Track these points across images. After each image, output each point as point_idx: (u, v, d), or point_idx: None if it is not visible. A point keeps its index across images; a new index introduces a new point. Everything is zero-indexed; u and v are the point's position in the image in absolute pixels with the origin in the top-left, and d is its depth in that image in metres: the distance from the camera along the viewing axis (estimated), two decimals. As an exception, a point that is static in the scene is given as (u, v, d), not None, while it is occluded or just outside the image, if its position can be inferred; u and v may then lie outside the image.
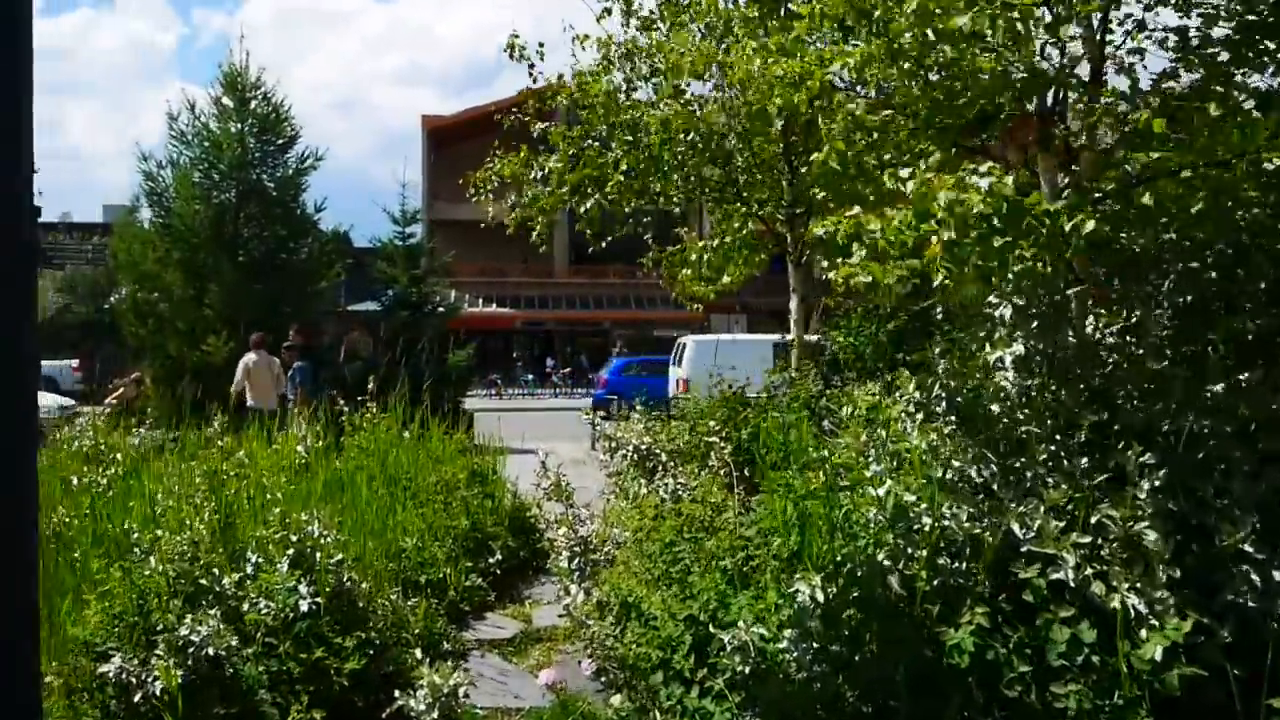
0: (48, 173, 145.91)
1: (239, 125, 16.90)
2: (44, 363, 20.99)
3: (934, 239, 2.86)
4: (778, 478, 4.13)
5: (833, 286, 7.47)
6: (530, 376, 36.66)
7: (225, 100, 17.00)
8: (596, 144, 7.85)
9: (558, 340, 42.31)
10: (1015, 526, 2.72)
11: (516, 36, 8.20)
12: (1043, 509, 2.72)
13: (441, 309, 17.02)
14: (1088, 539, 2.61)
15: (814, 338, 8.33)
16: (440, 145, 43.75)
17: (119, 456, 6.06)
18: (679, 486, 4.87)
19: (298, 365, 12.77)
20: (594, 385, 36.35)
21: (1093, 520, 2.66)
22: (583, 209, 7.60)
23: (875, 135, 4.38)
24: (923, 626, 2.66)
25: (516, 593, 5.73)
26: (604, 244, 7.97)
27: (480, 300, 40.98)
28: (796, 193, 6.96)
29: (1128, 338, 3.21)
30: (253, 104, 17.06)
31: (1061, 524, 2.65)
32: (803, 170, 6.87)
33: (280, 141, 17.16)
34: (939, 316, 5.01)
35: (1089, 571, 2.58)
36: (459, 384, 16.90)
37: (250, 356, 12.65)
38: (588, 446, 15.96)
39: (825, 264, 3.41)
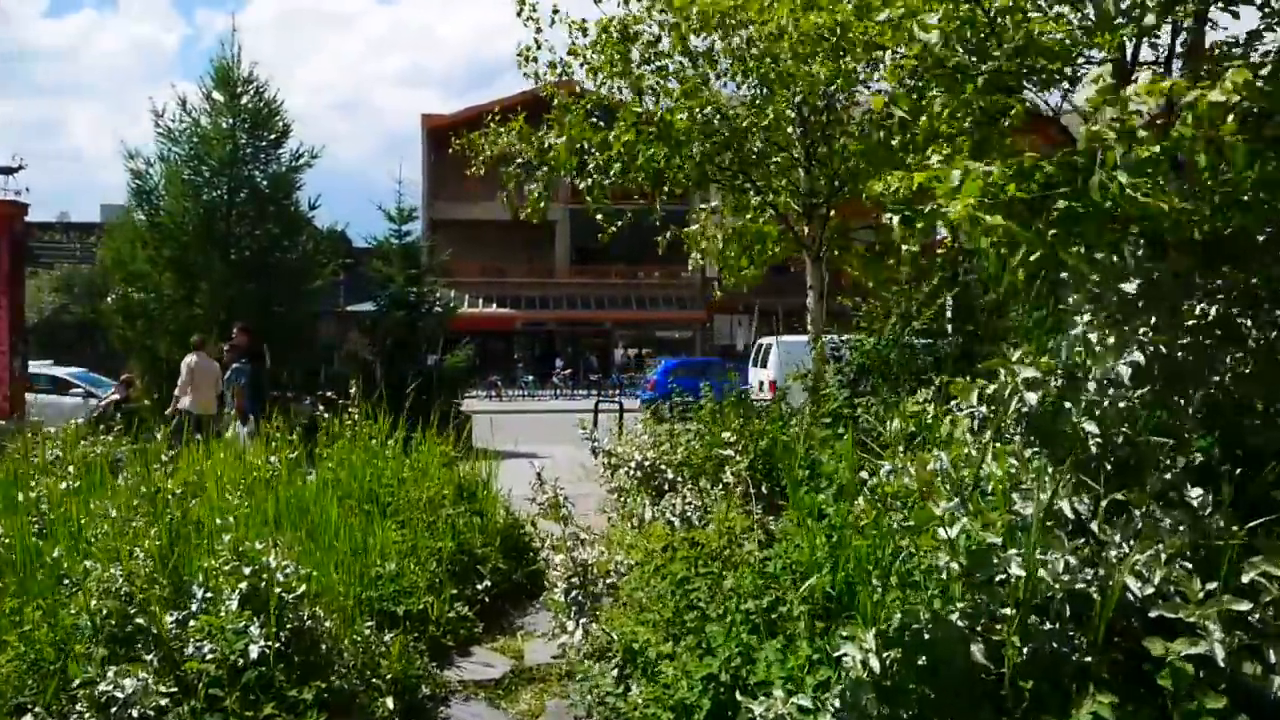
0: (49, 173, 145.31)
1: (230, 120, 16.29)
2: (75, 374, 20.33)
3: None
4: (807, 502, 3.52)
5: (867, 280, 6.87)
6: (530, 378, 36.03)
7: (216, 95, 16.41)
8: (598, 121, 7.22)
9: (559, 341, 41.69)
10: (1131, 581, 2.10)
11: (530, 48, 7.53)
12: (1162, 556, 2.10)
13: (439, 309, 16.39)
14: (1244, 605, 1.98)
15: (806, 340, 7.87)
16: (440, 144, 43.07)
17: (72, 469, 5.43)
18: (688, 507, 4.26)
19: (234, 367, 12.03)
20: (597, 387, 35.71)
21: (1245, 578, 2.04)
22: (583, 185, 6.94)
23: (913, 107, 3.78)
24: (1017, 712, 2.04)
25: (508, 622, 5.10)
26: (613, 227, 7.27)
27: (480, 300, 40.36)
28: (814, 182, 6.34)
29: (1254, 335, 2.58)
30: (244, 99, 16.45)
31: (1197, 581, 2.02)
32: (823, 152, 6.26)
33: (272, 137, 16.55)
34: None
35: (1237, 645, 1.97)
36: (456, 385, 16.29)
37: (191, 358, 11.92)
38: (588, 452, 15.36)
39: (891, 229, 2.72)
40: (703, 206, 7.92)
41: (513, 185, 7.29)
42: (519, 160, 7.23)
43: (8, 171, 17.07)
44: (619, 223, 7.36)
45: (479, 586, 4.90)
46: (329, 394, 10.32)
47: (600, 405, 16.93)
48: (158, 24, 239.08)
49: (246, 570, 3.66)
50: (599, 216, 7.27)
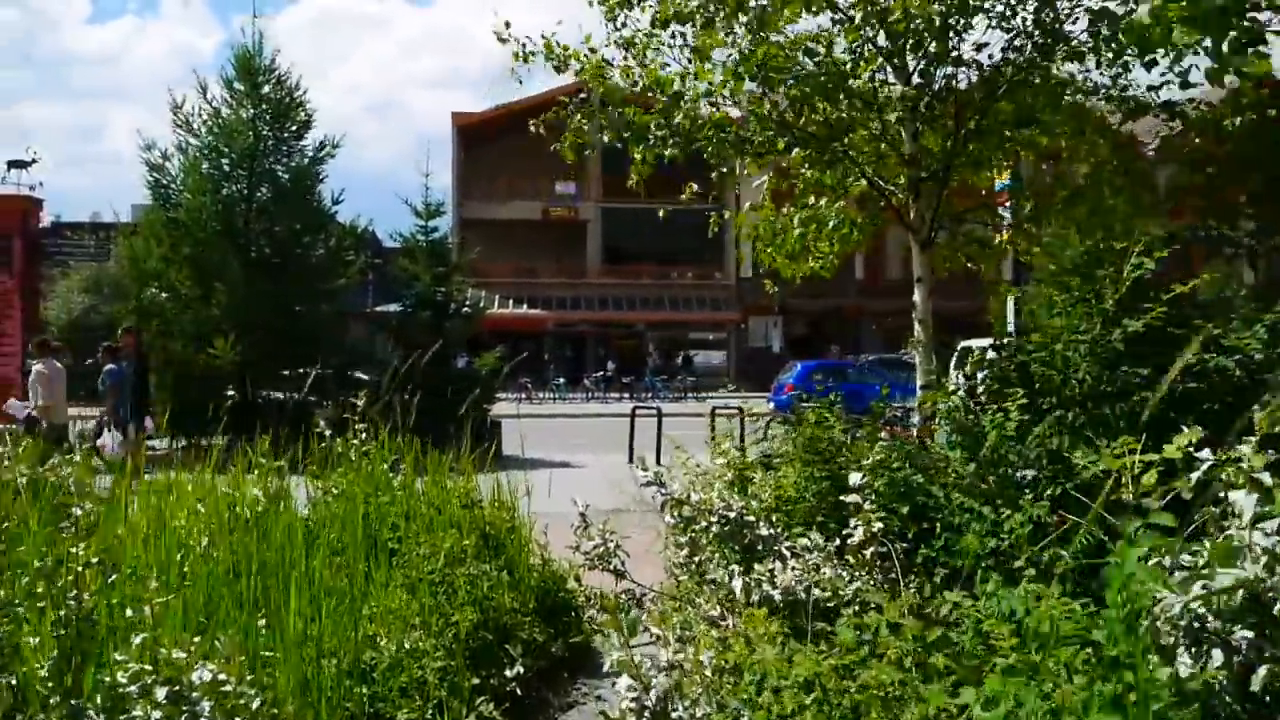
0: (89, 175, 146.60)
1: (250, 111, 15.24)
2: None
3: None
4: (1002, 600, 2.22)
5: (985, 272, 5.55)
6: (561, 380, 34.81)
7: (237, 84, 15.35)
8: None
9: (590, 342, 40.49)
10: None
11: (525, 47, 6.24)
12: None
13: (468, 309, 15.19)
14: None
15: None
16: (471, 144, 42.11)
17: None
18: (799, 579, 2.97)
19: (107, 368, 10.64)
20: (631, 390, 34.40)
21: None
22: (638, 154, 5.68)
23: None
24: None
25: (546, 717, 3.85)
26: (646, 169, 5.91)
27: (511, 301, 39.26)
28: (919, 149, 5.00)
29: None
30: (265, 88, 15.39)
31: None
32: (940, 110, 4.92)
33: (294, 128, 15.47)
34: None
35: None
36: (485, 391, 15.10)
37: (37, 366, 10.30)
38: (625, 460, 14.11)
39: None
40: (759, 182, 6.52)
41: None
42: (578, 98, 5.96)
43: (21, 165, 16.22)
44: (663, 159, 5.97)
45: (508, 674, 3.64)
46: (350, 399, 9.19)
47: (637, 410, 15.61)
48: (196, 29, 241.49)
49: (160, 693, 2.42)
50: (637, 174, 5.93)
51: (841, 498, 3.25)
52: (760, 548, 3.39)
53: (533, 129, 5.42)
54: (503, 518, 5.04)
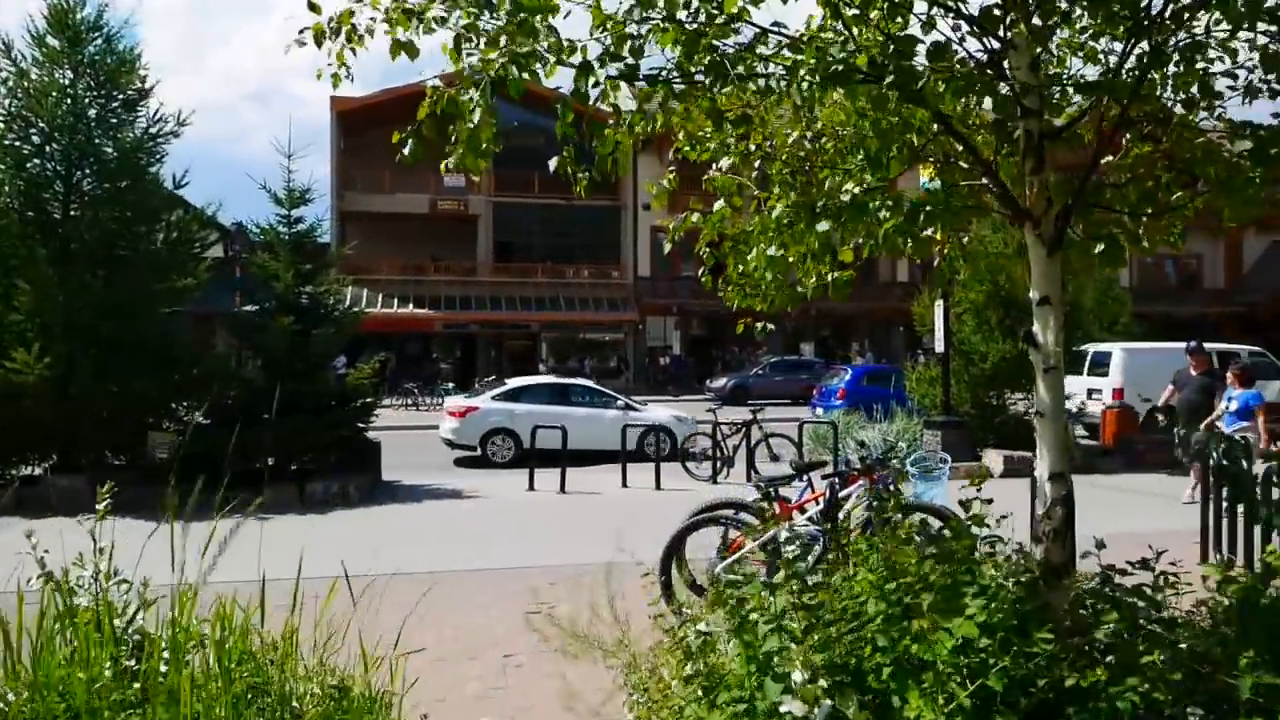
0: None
1: (69, 74, 12.43)
2: None
3: None
4: None
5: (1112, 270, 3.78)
6: (450, 385, 32.22)
7: (51, 40, 12.50)
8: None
9: (481, 343, 38.01)
10: None
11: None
12: None
13: (340, 312, 12.82)
14: None
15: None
16: (352, 131, 38.90)
17: None
18: None
19: None
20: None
21: None
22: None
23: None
24: None
25: None
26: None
27: (396, 300, 36.37)
28: (1046, 86, 2.99)
29: None
30: (89, 48, 12.60)
31: None
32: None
33: (124, 97, 12.72)
34: None
35: None
36: (362, 409, 12.78)
37: None
38: (524, 486, 11.90)
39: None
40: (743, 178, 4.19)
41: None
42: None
43: None
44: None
45: None
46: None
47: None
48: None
49: None
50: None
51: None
52: None
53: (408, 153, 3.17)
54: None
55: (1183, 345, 12.57)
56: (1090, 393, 17.18)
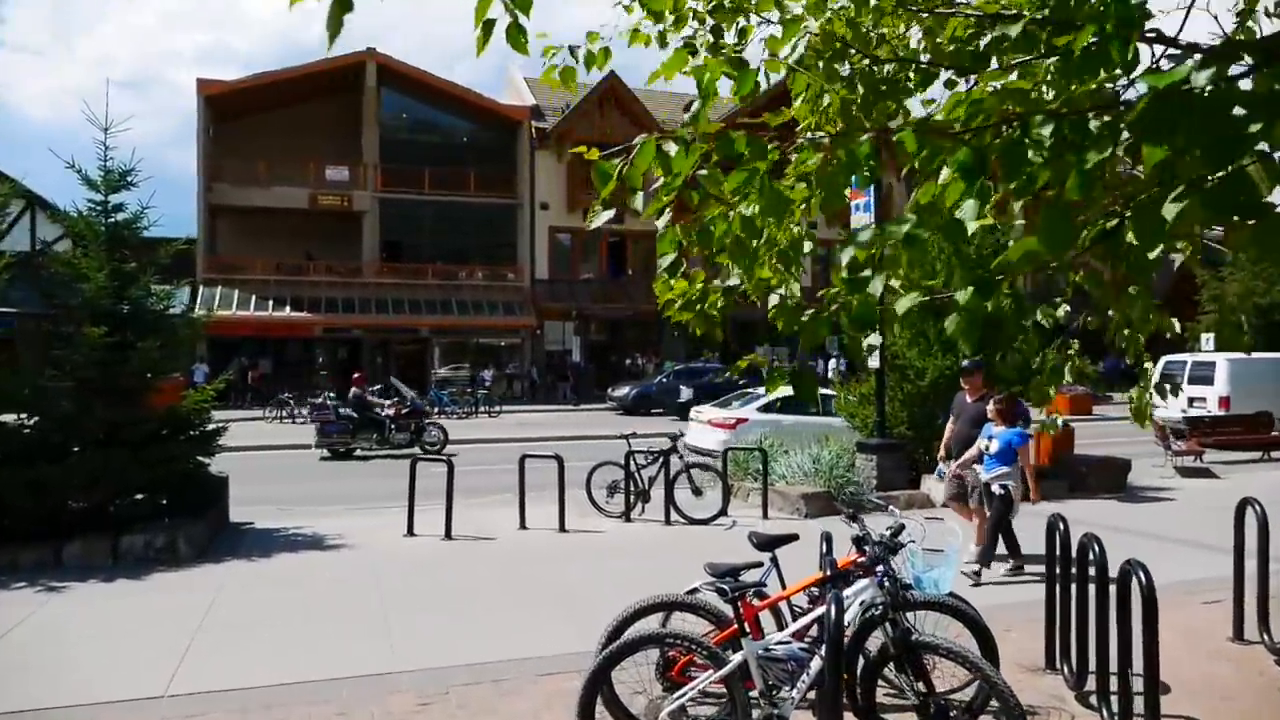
0: None
1: None
2: None
3: None
4: None
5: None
6: (332, 393, 29.31)
7: None
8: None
9: (366, 348, 35.10)
10: None
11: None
12: None
13: (170, 316, 10.35)
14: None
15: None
16: (223, 117, 35.37)
17: None
18: None
19: None
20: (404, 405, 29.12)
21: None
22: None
23: None
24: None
25: None
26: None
27: (271, 302, 33.12)
28: None
29: None
30: None
31: None
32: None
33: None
34: None
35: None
36: (201, 439, 10.35)
37: None
38: (402, 526, 9.68)
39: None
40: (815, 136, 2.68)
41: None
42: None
43: None
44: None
45: None
46: None
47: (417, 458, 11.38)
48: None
49: None
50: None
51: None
52: None
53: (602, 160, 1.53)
54: None
55: None
56: (1192, 401, 17.56)
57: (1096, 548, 4.70)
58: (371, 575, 8.21)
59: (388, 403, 19.09)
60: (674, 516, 10.51)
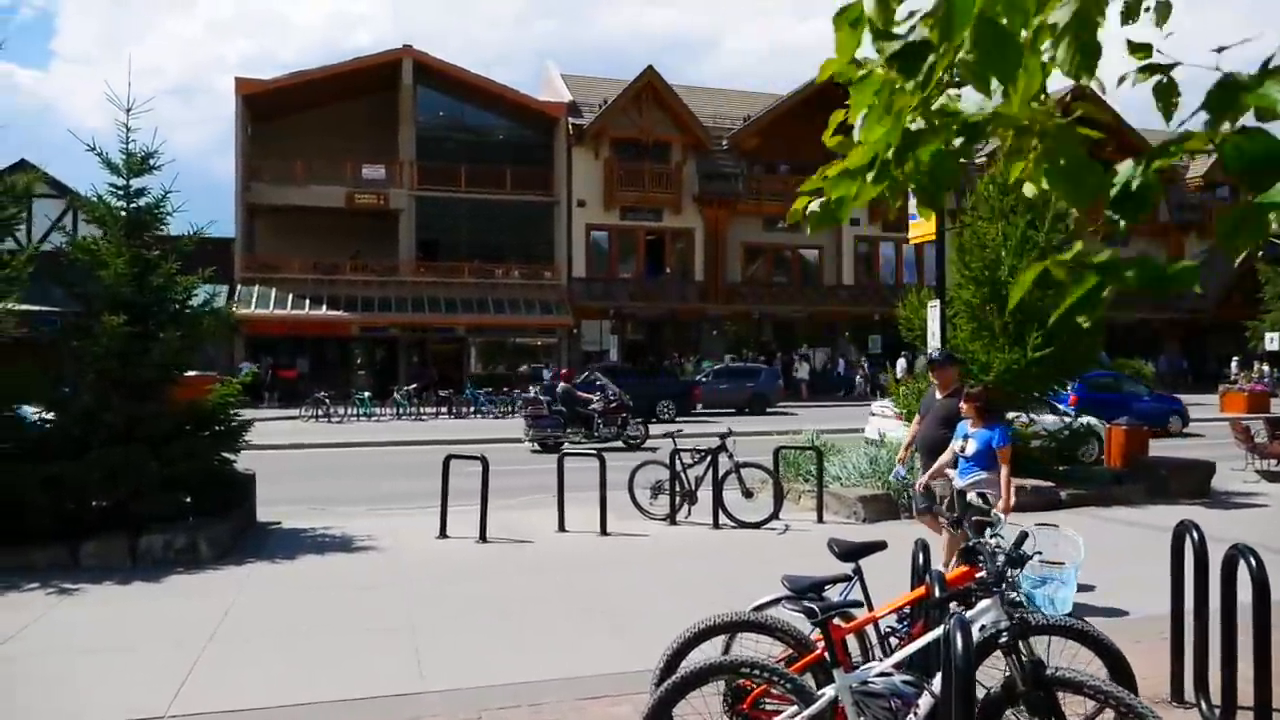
0: None
1: None
2: None
3: None
4: None
5: None
6: (367, 394, 29.02)
7: None
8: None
9: (402, 348, 34.78)
10: None
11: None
12: None
13: (189, 310, 9.84)
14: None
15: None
16: (261, 117, 35.30)
17: None
18: None
19: None
20: (450, 404, 28.79)
21: None
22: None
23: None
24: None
25: None
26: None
27: (308, 301, 32.91)
28: None
29: None
30: None
31: None
32: None
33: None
34: None
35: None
36: (226, 435, 9.84)
37: None
38: (436, 528, 9.09)
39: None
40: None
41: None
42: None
43: None
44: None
45: None
46: None
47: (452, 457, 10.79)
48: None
49: None
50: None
51: None
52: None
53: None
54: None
55: None
56: None
57: (1253, 561, 3.89)
58: (400, 581, 7.59)
59: (595, 397, 19.28)
60: (722, 519, 9.77)
